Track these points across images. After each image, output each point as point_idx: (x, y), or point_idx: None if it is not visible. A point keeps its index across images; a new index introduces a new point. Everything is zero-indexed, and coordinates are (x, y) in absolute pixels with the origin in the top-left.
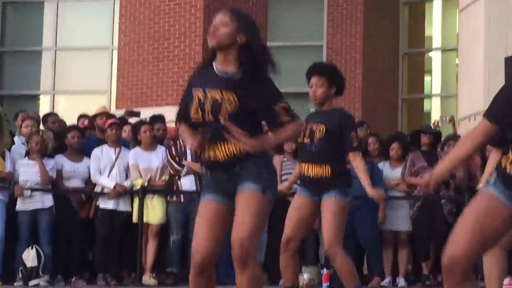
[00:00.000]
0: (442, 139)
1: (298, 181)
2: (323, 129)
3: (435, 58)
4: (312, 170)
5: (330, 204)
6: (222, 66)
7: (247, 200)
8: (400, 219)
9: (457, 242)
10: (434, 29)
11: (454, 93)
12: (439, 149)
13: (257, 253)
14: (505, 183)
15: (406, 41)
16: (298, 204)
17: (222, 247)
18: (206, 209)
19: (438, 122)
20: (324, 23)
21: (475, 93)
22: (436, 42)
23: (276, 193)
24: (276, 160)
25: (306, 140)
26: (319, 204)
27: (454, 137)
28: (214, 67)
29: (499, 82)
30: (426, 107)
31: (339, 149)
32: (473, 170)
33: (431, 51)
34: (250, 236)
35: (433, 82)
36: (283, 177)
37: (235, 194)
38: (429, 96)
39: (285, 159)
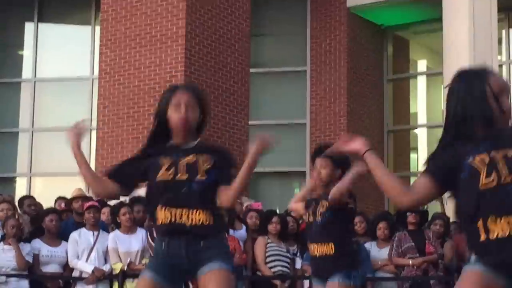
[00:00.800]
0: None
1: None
2: (326, 204)
3: (421, 135)
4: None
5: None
6: (182, 142)
7: (221, 280)
8: None
9: None
10: (419, 105)
11: None
12: (426, 228)
13: None
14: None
15: (391, 118)
16: None
17: None
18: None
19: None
20: (307, 101)
21: None
22: (422, 118)
23: None
24: (260, 242)
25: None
26: None
27: (441, 216)
28: (173, 143)
29: None
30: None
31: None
32: (462, 249)
33: (416, 127)
34: None
35: (419, 159)
36: (268, 259)
37: (187, 273)
38: (415, 174)
39: (269, 240)
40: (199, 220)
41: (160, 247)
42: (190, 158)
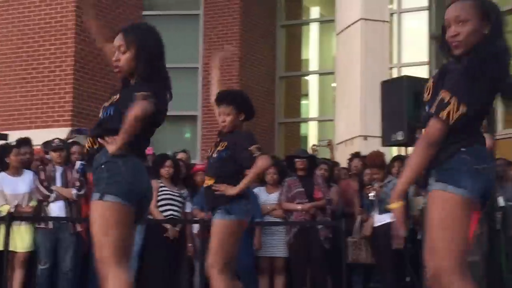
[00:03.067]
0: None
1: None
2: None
3: (312, 82)
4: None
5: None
6: None
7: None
8: (276, 246)
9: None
10: (311, 52)
11: (332, 117)
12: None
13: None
14: None
15: (283, 64)
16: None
17: None
18: None
19: (315, 146)
20: (199, 45)
21: (352, 117)
22: (313, 65)
23: (123, 195)
24: (152, 185)
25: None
26: None
27: (326, 161)
28: None
29: (376, 106)
30: (303, 131)
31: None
32: (350, 195)
33: (308, 74)
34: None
35: (310, 106)
36: (159, 203)
37: None
38: (306, 120)
39: (161, 184)
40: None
41: None
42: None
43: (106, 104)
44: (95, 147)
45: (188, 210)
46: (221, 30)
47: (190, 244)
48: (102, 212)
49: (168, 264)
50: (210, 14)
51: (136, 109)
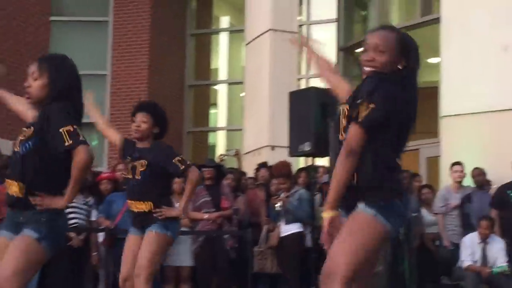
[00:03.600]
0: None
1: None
2: (145, 163)
3: (221, 91)
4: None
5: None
6: None
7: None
8: (182, 254)
9: None
10: (221, 61)
11: (240, 126)
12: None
13: None
14: None
15: (192, 73)
16: (130, 243)
17: None
18: None
19: (223, 156)
20: (108, 52)
21: (261, 127)
22: (223, 74)
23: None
24: None
25: (129, 176)
26: None
27: (233, 171)
28: None
29: (284, 116)
30: (211, 140)
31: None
32: (256, 205)
33: (217, 83)
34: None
35: (219, 115)
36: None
37: None
38: (215, 129)
39: None
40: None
41: None
42: None
43: (21, 138)
44: (21, 197)
45: (93, 218)
46: (130, 37)
47: (94, 253)
48: None
49: (71, 273)
50: (120, 21)
51: (81, 157)
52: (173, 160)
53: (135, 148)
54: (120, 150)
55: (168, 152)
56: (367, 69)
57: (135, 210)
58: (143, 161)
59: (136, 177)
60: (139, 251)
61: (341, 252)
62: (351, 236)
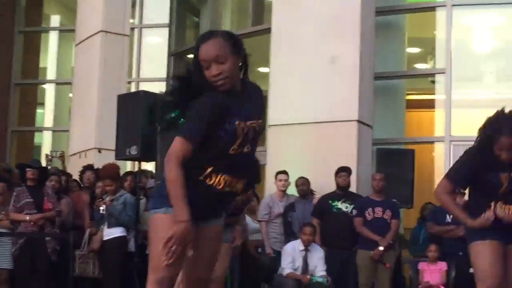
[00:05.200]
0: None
1: None
2: None
3: (49, 91)
4: None
5: None
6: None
7: None
8: (1, 257)
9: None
10: (50, 60)
11: (67, 127)
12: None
13: None
14: None
15: (19, 71)
16: None
17: None
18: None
19: (48, 157)
20: None
21: (88, 129)
22: (51, 74)
23: None
24: None
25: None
26: None
27: (57, 172)
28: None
29: (112, 119)
30: (37, 140)
31: None
32: (80, 208)
33: (45, 83)
34: None
35: (46, 115)
36: None
37: None
38: (41, 129)
39: None
40: None
41: None
42: None
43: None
44: None
45: None
46: None
47: None
48: None
49: None
50: None
51: None
52: None
53: None
54: None
55: None
56: (220, 83)
57: None
58: None
59: None
60: None
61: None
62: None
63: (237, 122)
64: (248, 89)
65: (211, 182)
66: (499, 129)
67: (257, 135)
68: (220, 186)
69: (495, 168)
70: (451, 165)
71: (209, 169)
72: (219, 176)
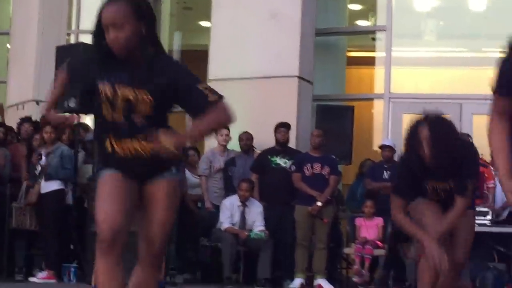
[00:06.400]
0: None
1: None
2: None
3: None
4: None
5: None
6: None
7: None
8: None
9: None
10: None
11: (4, 79)
12: None
13: None
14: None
15: None
16: None
17: None
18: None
19: None
20: None
21: (26, 81)
22: None
23: None
24: None
25: None
26: None
27: (2, 125)
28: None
29: (50, 71)
30: None
31: None
32: (17, 160)
33: None
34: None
35: None
36: None
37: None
38: None
39: None
40: None
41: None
42: None
43: None
44: None
45: None
46: None
47: None
48: None
49: None
50: None
51: None
52: None
53: None
54: None
55: None
56: (116, 49)
57: None
58: None
59: None
60: None
61: None
62: None
63: (100, 84)
64: (153, 60)
65: (109, 151)
66: (416, 127)
67: (134, 106)
68: (120, 154)
69: (424, 176)
70: (389, 131)
71: (104, 137)
72: (111, 144)
